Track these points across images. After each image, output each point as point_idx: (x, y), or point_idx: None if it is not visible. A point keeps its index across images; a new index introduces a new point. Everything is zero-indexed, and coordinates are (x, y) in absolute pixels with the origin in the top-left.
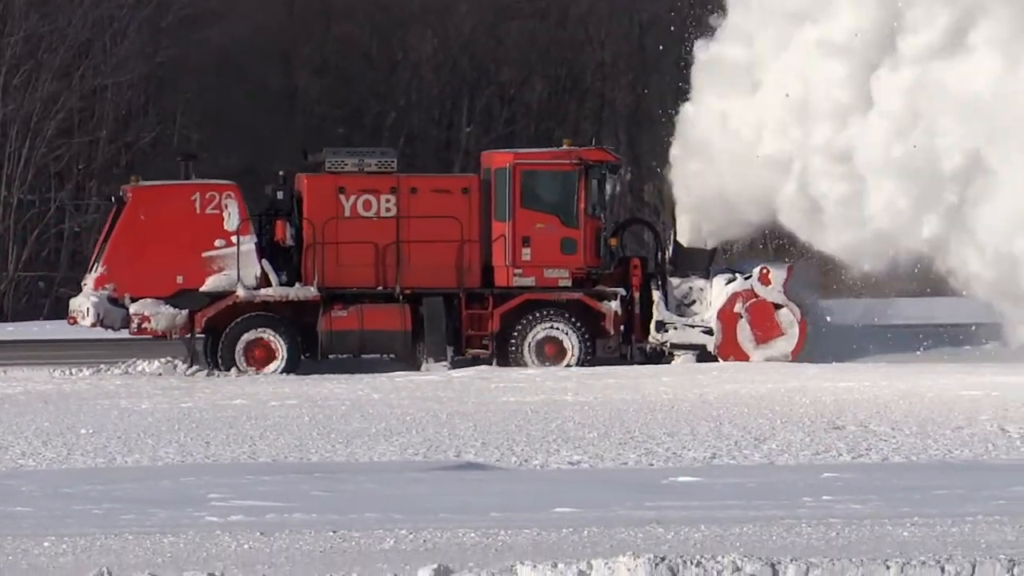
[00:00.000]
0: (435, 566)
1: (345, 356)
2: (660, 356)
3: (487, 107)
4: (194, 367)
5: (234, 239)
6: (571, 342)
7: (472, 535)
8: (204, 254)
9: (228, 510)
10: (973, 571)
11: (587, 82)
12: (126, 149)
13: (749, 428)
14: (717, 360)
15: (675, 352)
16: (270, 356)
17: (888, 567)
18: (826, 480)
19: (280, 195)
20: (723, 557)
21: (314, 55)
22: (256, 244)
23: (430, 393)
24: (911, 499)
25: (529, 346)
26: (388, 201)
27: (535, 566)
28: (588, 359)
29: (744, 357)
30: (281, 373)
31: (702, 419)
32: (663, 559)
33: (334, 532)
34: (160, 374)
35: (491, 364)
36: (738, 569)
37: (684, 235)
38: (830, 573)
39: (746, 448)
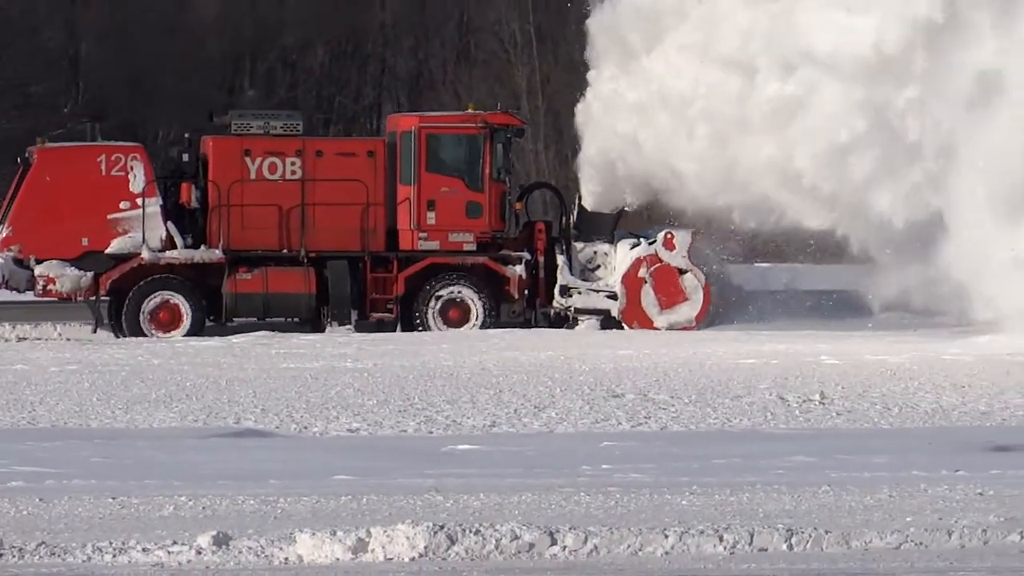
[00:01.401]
0: (215, 533)
1: (250, 319)
2: (564, 321)
3: (269, 72)
4: (99, 330)
5: (139, 201)
6: (475, 306)
7: (251, 502)
8: (109, 216)
9: (7, 475)
10: (751, 540)
11: (369, 47)
12: None
13: (529, 396)
14: (622, 326)
15: (579, 317)
16: (175, 319)
17: (667, 536)
18: (605, 448)
19: (186, 157)
20: (502, 525)
21: (96, 19)
22: (161, 206)
23: (210, 359)
24: (690, 468)
25: (433, 310)
26: (293, 164)
27: (314, 533)
28: (492, 323)
29: (648, 322)
30: (186, 336)
31: (482, 387)
32: (442, 527)
33: (113, 498)
34: None
35: (395, 328)
36: (516, 537)
37: (588, 199)
38: (608, 541)
39: (526, 416)
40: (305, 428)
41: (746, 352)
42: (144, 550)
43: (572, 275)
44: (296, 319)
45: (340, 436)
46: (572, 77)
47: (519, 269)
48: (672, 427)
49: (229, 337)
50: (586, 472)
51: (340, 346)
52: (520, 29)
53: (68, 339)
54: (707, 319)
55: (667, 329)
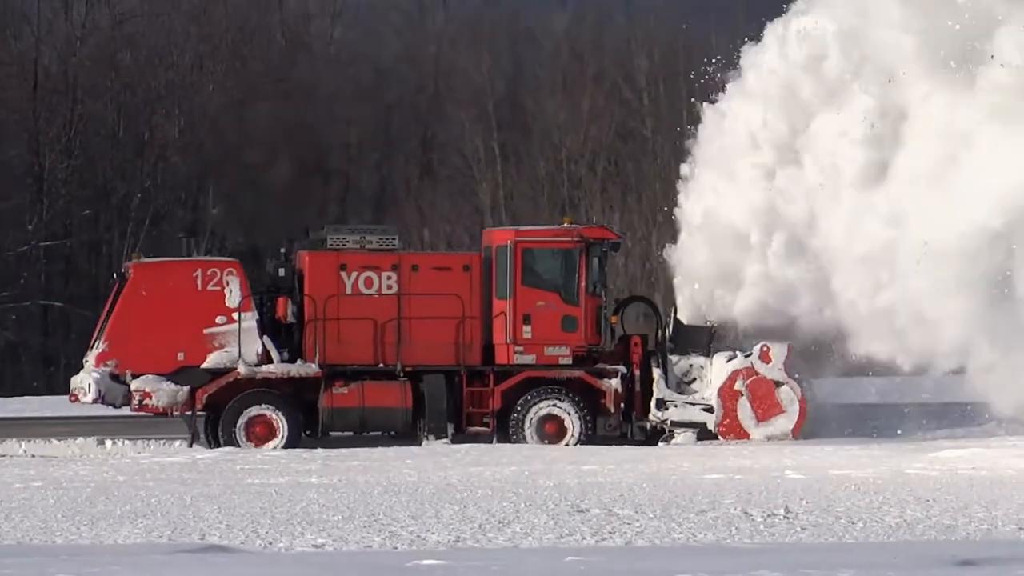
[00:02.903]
0: None
1: (346, 433)
2: (660, 434)
3: (232, 188)
4: (195, 444)
5: (235, 316)
6: (572, 420)
7: None
8: (206, 331)
9: None
10: None
11: (333, 163)
12: None
13: (493, 511)
14: (717, 438)
15: (675, 430)
16: (271, 433)
17: None
18: (570, 564)
19: (281, 272)
20: None
21: (60, 135)
22: (257, 321)
23: (175, 475)
24: None
25: (530, 424)
26: (389, 278)
27: None
28: (589, 437)
29: (745, 435)
30: (282, 449)
31: (446, 502)
32: None
33: None
34: None
35: (492, 442)
36: None
37: (684, 313)
38: None
39: (490, 531)
40: (270, 544)
41: (711, 467)
42: None
43: (668, 388)
44: (392, 433)
45: (305, 552)
46: (536, 192)
47: (615, 383)
48: (637, 542)
49: (193, 453)
50: None
51: (305, 462)
52: (484, 145)
53: (33, 456)
54: (803, 431)
55: (764, 440)
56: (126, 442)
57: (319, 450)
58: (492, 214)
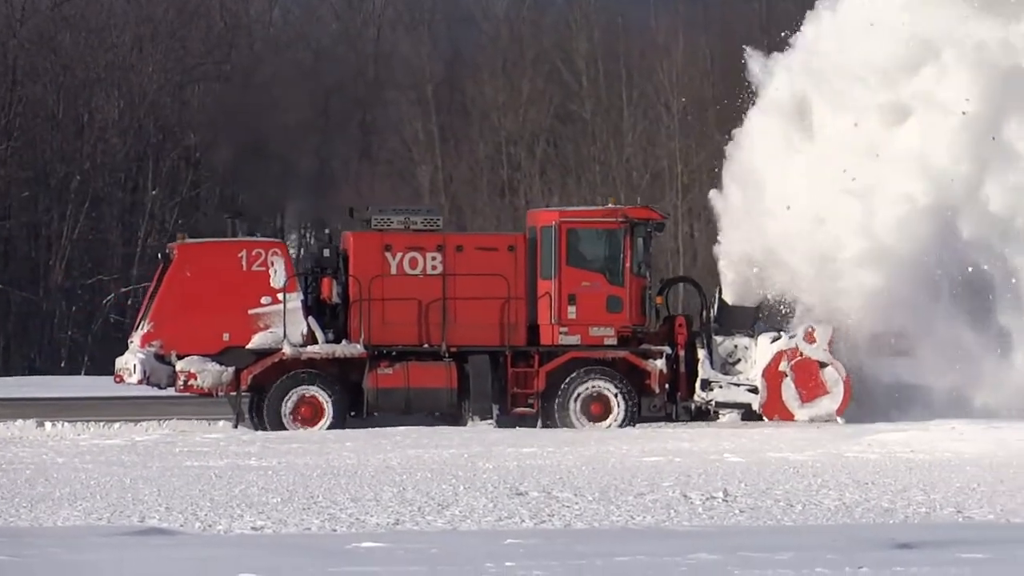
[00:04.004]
0: None
1: (389, 413)
2: (705, 414)
3: (173, 170)
4: (240, 425)
5: (280, 296)
6: (617, 400)
7: None
8: (250, 311)
9: None
10: None
11: (272, 146)
12: None
13: (432, 494)
14: (762, 419)
15: (720, 411)
16: (316, 414)
17: None
18: (509, 546)
19: (326, 253)
20: None
21: None
22: (302, 301)
23: (114, 457)
24: (593, 565)
25: (575, 404)
26: (434, 259)
27: None
28: (634, 417)
29: (789, 416)
30: (328, 430)
31: (386, 484)
32: None
33: None
34: None
35: (536, 423)
36: None
37: (728, 293)
38: None
39: (429, 514)
40: (209, 526)
41: (650, 450)
42: None
43: (713, 369)
44: (437, 414)
45: (245, 534)
46: (475, 175)
47: (660, 363)
48: (576, 524)
49: (132, 435)
50: (489, 570)
51: (244, 444)
52: (423, 128)
53: None
54: (848, 412)
55: (809, 422)
56: (65, 424)
57: (259, 433)
58: (431, 197)
